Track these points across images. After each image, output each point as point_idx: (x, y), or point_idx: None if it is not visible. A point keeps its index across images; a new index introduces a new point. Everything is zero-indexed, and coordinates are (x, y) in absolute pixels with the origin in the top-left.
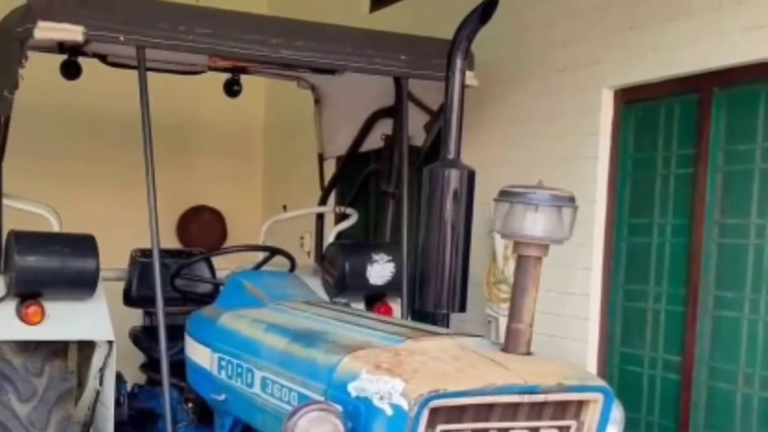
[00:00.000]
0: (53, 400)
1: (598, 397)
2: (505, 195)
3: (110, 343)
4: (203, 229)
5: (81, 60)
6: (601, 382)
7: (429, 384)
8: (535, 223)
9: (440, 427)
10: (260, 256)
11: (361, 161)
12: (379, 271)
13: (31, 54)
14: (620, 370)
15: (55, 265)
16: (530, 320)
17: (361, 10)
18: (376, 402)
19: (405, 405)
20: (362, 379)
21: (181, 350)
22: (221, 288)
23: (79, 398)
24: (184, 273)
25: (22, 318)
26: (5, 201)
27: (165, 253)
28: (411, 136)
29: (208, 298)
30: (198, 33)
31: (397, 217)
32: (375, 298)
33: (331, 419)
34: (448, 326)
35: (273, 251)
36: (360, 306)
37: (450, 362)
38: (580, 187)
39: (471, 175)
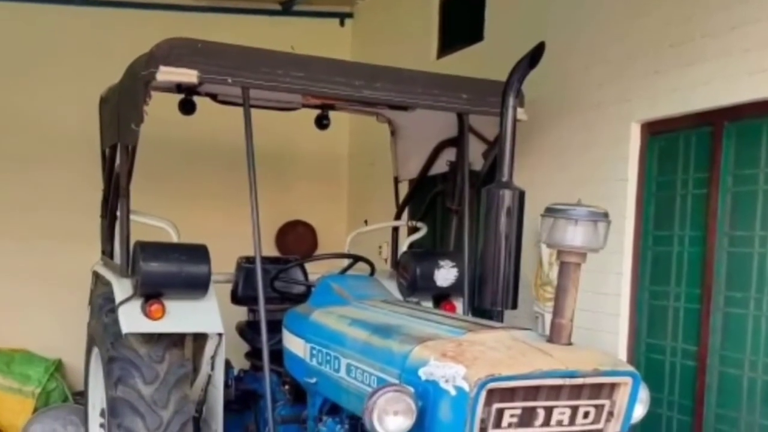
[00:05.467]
0: (172, 382)
1: (628, 380)
2: (550, 211)
3: (220, 335)
4: (298, 239)
5: (195, 98)
6: (631, 368)
7: (486, 369)
8: (575, 234)
9: (495, 405)
10: (345, 262)
11: (430, 183)
12: (445, 275)
13: (153, 93)
14: (646, 358)
15: (174, 269)
16: (571, 316)
17: (430, 56)
18: (442, 384)
19: (466, 387)
20: (430, 365)
21: (279, 341)
22: (313, 289)
23: (194, 381)
24: (281, 276)
25: (147, 314)
26: (133, 216)
27: (266, 260)
28: (471, 162)
29: (301, 298)
30: (293, 76)
31: (460, 230)
32: (441, 298)
33: (405, 399)
34: (502, 321)
35: (356, 258)
36: (429, 304)
37: (504, 351)
38: (613, 205)
39: (521, 195)
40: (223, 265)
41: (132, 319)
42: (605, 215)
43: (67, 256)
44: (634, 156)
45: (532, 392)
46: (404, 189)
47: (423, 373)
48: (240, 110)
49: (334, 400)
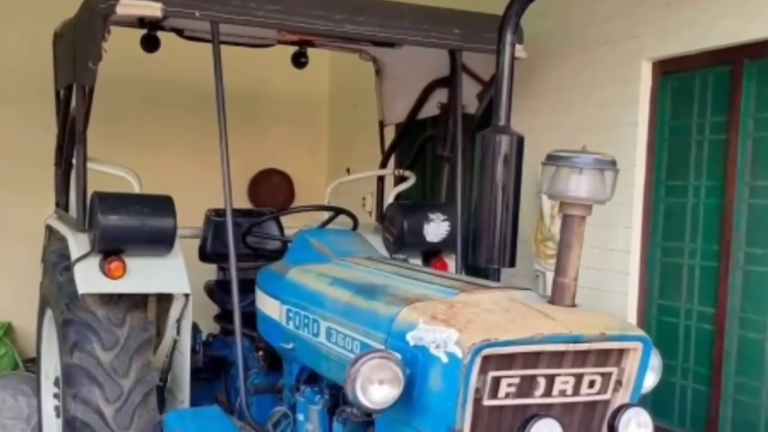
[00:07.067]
0: (134, 348)
1: (638, 345)
2: (551, 159)
3: (186, 295)
4: (272, 190)
5: (159, 34)
6: (641, 332)
7: (481, 333)
8: (580, 184)
9: (491, 373)
10: (325, 215)
11: (419, 127)
12: (435, 229)
13: (113, 28)
14: (658, 321)
15: (136, 223)
16: (575, 274)
17: None
18: (433, 350)
19: (459, 353)
20: (419, 329)
21: (252, 302)
22: (289, 245)
23: (158, 347)
24: (255, 231)
25: (106, 273)
26: (90, 165)
27: (237, 213)
28: (465, 104)
29: (277, 255)
30: (268, 9)
31: (452, 180)
32: (431, 254)
33: (391, 366)
34: (498, 280)
35: (337, 211)
36: (417, 262)
37: (501, 313)
38: (621, 152)
39: (520, 141)
40: (190, 219)
41: (89, 277)
42: (613, 163)
43: (16, 208)
44: (645, 98)
45: (532, 359)
46: (390, 134)
47: (411, 338)
48: (209, 47)
49: (313, 367)
